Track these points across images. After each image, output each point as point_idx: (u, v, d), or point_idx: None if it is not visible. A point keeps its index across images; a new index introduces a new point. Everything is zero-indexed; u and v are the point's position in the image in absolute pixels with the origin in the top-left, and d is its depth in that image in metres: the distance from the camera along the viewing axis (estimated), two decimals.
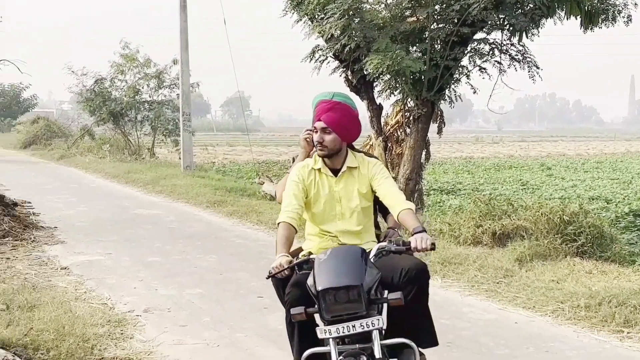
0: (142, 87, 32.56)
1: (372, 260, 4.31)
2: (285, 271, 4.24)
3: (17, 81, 68.91)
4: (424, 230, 4.37)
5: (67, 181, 23.49)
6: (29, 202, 16.05)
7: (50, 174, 26.24)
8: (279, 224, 4.66)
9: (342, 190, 4.84)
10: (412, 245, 4.29)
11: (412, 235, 4.36)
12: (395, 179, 14.19)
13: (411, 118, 14.00)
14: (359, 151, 5.14)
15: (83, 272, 9.40)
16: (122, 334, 6.69)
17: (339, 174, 4.86)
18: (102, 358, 5.94)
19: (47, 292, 8.15)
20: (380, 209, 5.18)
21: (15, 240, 11.45)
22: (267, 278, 4.32)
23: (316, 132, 4.76)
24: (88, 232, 12.81)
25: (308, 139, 5.11)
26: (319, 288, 3.96)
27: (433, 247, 4.30)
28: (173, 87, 32.05)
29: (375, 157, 5.13)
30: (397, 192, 4.74)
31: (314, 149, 4.90)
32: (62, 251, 10.94)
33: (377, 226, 5.21)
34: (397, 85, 13.61)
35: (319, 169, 4.90)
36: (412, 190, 13.92)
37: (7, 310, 7.13)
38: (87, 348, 6.07)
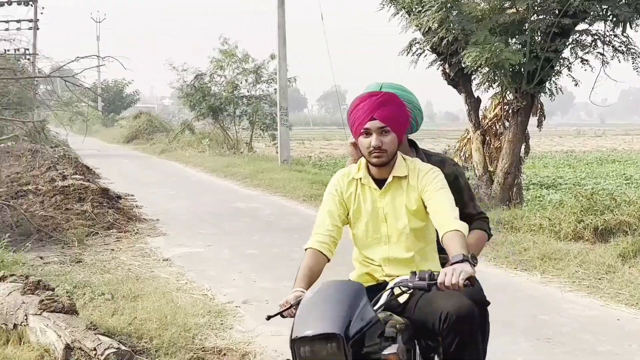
0: (241, 82, 33.08)
1: (386, 299, 3.41)
2: (293, 309, 3.30)
3: (121, 77, 70.81)
4: (465, 260, 3.27)
5: (168, 175, 24.06)
6: (132, 195, 16.51)
7: (152, 168, 26.91)
8: (306, 250, 3.81)
9: (387, 206, 3.80)
10: (439, 280, 3.23)
11: (451, 265, 3.30)
12: (493, 173, 14.03)
13: (510, 111, 13.82)
14: (425, 151, 4.31)
15: (184, 264, 9.63)
16: (222, 324, 6.83)
17: (384, 186, 3.80)
18: (203, 347, 6.07)
19: (150, 282, 8.37)
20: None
21: (120, 232, 11.81)
22: (267, 319, 3.33)
23: (368, 134, 3.68)
24: (189, 224, 13.11)
25: (354, 143, 4.05)
26: (292, 336, 3.07)
27: (468, 283, 3.21)
28: (271, 82, 32.42)
29: (436, 157, 4.27)
30: (448, 208, 3.63)
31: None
32: (164, 243, 11.23)
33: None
34: (496, 78, 13.45)
35: (360, 179, 3.86)
36: (511, 184, 13.74)
37: (112, 300, 7.37)
38: (189, 337, 6.21)
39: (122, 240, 11.32)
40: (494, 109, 15.11)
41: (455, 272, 3.20)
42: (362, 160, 3.84)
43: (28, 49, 33.31)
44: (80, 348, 5.30)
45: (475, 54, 12.09)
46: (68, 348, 5.33)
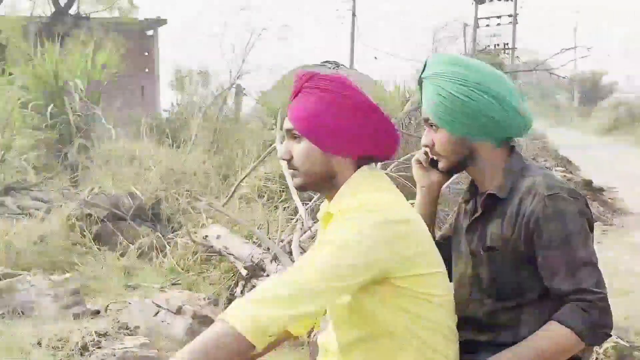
0: None
1: None
2: None
3: (597, 67, 69.20)
4: None
5: None
6: (615, 188, 16.05)
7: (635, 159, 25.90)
8: None
9: None
10: None
11: None
12: None
13: None
14: (528, 166, 2.44)
15: None
16: None
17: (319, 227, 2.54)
18: None
19: None
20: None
21: (605, 225, 11.60)
22: None
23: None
24: None
25: (421, 162, 2.61)
26: None
27: None
28: None
29: (530, 181, 2.36)
30: (279, 276, 2.15)
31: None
32: None
33: None
34: None
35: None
36: None
37: None
38: None
39: (608, 233, 11.08)
40: None
41: None
42: None
43: (507, 43, 34.32)
44: None
45: None
46: None
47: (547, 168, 1.94)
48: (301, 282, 2.02)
